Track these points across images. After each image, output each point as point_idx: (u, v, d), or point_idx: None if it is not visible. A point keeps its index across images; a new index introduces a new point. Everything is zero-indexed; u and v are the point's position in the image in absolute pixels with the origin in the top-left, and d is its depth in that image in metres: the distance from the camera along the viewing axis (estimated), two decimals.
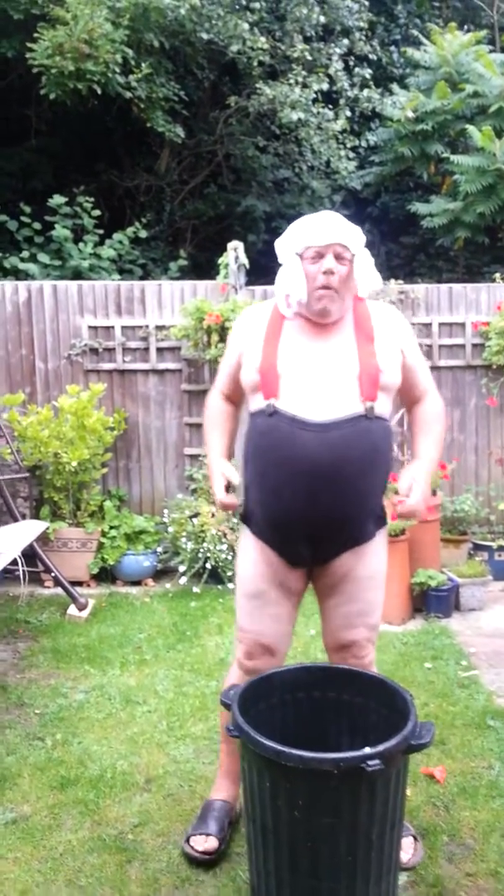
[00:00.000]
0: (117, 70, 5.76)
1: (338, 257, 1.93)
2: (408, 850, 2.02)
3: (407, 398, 2.12)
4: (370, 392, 1.91)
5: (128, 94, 6.06)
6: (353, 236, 1.95)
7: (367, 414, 1.89)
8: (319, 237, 1.92)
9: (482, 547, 4.49)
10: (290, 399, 1.90)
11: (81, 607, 3.91)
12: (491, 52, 7.22)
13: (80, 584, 4.32)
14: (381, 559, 2.07)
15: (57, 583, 4.01)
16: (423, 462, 2.04)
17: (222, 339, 4.35)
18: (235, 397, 2.18)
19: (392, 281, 4.80)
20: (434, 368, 4.75)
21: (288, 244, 1.99)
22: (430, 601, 3.91)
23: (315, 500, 1.88)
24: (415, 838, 2.08)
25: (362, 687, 2.00)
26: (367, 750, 1.63)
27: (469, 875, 1.98)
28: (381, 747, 1.64)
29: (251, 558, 2.05)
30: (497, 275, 4.96)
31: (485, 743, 2.60)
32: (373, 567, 2.03)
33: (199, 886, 1.98)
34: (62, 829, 2.21)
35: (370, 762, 1.60)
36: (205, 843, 2.06)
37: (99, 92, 5.77)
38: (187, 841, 2.09)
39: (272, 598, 2.03)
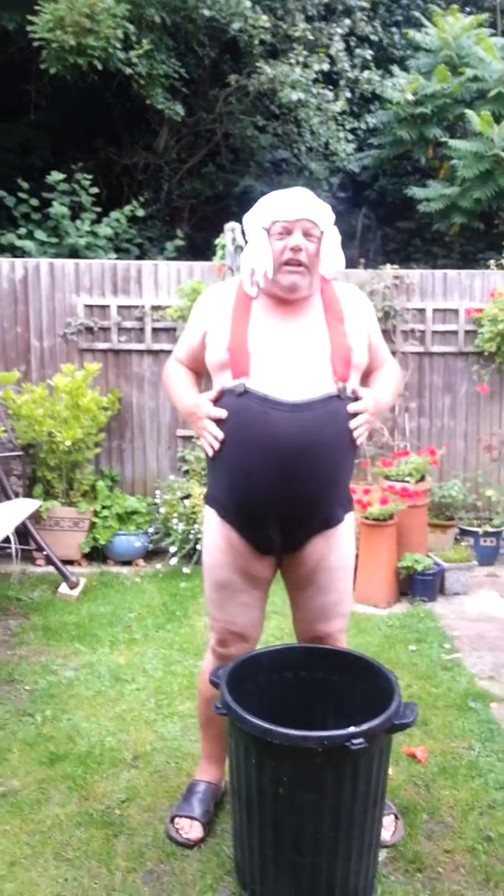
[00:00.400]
0: (118, 45, 5.69)
1: (306, 234, 1.90)
2: (389, 827, 2.07)
3: (365, 378, 2.09)
4: (343, 372, 1.90)
5: (128, 71, 5.99)
6: (322, 212, 1.94)
7: (339, 394, 1.88)
8: (288, 212, 1.90)
9: (469, 532, 4.54)
10: (261, 378, 1.86)
11: (73, 586, 3.95)
12: (492, 35, 7.16)
13: (71, 563, 4.35)
14: (351, 546, 2.07)
15: (49, 561, 4.04)
16: (373, 392, 2.02)
17: None
18: (195, 369, 2.14)
19: (387, 266, 4.80)
20: (427, 354, 4.79)
21: (255, 218, 1.96)
22: (415, 585, 3.96)
23: (287, 481, 1.85)
24: (395, 817, 2.13)
25: (348, 667, 2.04)
26: (352, 729, 1.67)
27: (447, 851, 2.04)
28: (365, 726, 1.68)
29: (216, 544, 2.02)
30: (491, 262, 4.96)
31: (466, 724, 2.66)
32: (343, 555, 2.04)
33: (185, 861, 2.03)
34: (50, 804, 2.26)
35: (354, 741, 1.64)
36: (190, 829, 2.09)
37: (99, 67, 5.69)
38: (172, 821, 2.13)
39: (239, 587, 2.02)
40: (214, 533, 2.03)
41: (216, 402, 1.95)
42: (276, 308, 1.95)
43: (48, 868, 1.99)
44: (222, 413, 1.91)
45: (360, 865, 1.80)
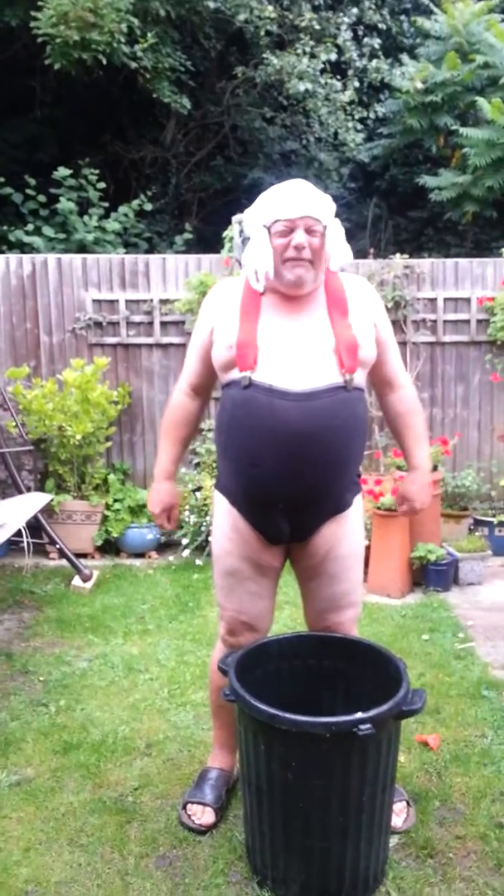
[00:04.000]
0: (122, 40, 5.69)
1: (308, 230, 1.87)
2: (400, 814, 2.07)
3: (376, 377, 2.07)
4: (350, 363, 1.89)
5: (133, 65, 5.99)
6: (323, 207, 1.89)
7: (346, 385, 1.87)
8: (289, 210, 1.86)
9: (483, 522, 4.52)
10: (267, 371, 1.86)
11: (86, 578, 3.97)
12: (503, 21, 7.08)
13: (84, 556, 4.38)
14: (360, 534, 2.07)
15: (62, 554, 4.07)
16: (418, 473, 2.10)
17: None
18: (204, 387, 2.12)
19: (397, 255, 4.77)
20: (439, 344, 4.76)
21: (256, 216, 1.92)
22: (429, 575, 3.95)
23: (297, 468, 1.85)
24: (407, 803, 2.13)
25: (357, 655, 2.04)
26: (360, 715, 1.67)
27: (458, 838, 2.04)
28: (372, 712, 1.68)
29: (225, 532, 2.02)
30: (503, 249, 4.92)
31: (478, 712, 2.65)
32: (353, 543, 2.03)
33: (197, 846, 2.04)
34: (64, 791, 2.27)
35: (362, 727, 1.64)
36: (202, 815, 2.11)
37: (104, 62, 5.70)
38: (184, 807, 2.14)
39: (247, 575, 2.02)
40: (223, 520, 2.03)
41: (223, 388, 1.97)
42: (281, 304, 1.94)
43: (62, 853, 2.01)
44: (171, 526, 2.20)
45: (371, 850, 1.80)
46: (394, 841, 2.02)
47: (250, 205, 2.01)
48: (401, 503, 2.15)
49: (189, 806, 2.14)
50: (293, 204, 1.86)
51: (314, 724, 1.68)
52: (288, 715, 1.69)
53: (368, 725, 1.65)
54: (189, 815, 2.11)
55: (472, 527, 4.54)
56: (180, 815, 2.13)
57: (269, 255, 1.88)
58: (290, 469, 1.86)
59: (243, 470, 1.93)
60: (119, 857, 2.00)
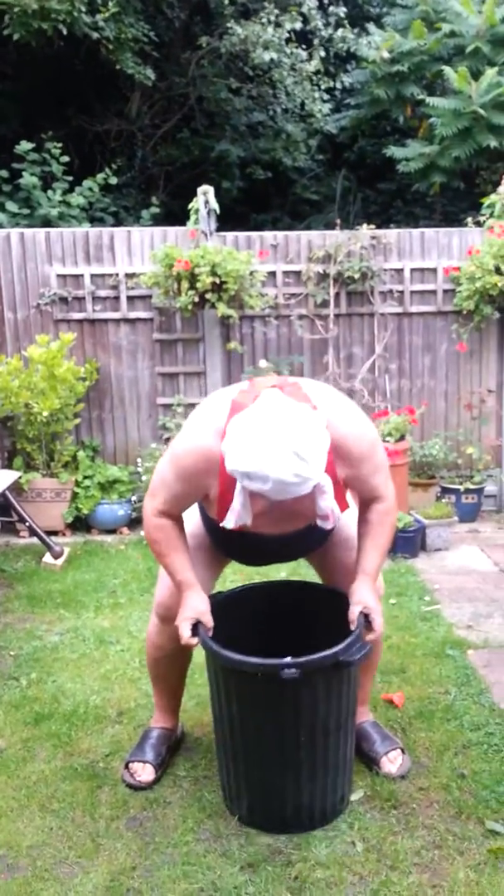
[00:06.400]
0: (83, 9, 5.57)
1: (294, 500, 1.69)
2: (395, 761, 2.15)
3: (358, 493, 1.99)
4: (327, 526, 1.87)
5: (95, 35, 5.87)
6: (308, 483, 1.63)
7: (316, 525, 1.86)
8: (270, 494, 1.64)
9: (450, 490, 4.58)
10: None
11: (57, 555, 3.97)
12: None
13: (55, 533, 4.37)
14: (353, 511, 2.04)
15: (32, 532, 4.06)
16: (367, 580, 1.96)
17: (192, 286, 4.32)
18: (179, 515, 1.99)
19: (364, 226, 4.77)
20: (406, 315, 4.78)
21: (235, 470, 1.65)
22: (397, 542, 3.99)
23: (267, 562, 2.24)
24: (402, 751, 2.19)
25: (322, 600, 2.16)
26: (288, 659, 1.80)
27: (422, 789, 2.09)
28: (302, 659, 1.81)
29: (199, 514, 2.10)
30: (469, 219, 4.94)
31: (443, 671, 2.72)
32: (348, 525, 2.07)
33: (167, 808, 2.08)
34: (36, 761, 2.29)
35: (287, 671, 1.77)
36: (143, 772, 2.17)
37: (65, 32, 5.58)
38: (126, 766, 2.19)
39: (204, 544, 2.09)
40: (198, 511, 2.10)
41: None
42: None
43: (34, 819, 2.04)
44: (195, 642, 1.95)
45: (315, 787, 1.93)
46: (359, 794, 2.07)
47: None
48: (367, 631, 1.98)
49: (130, 765, 2.19)
50: (275, 492, 1.63)
51: (244, 663, 1.83)
52: (225, 652, 1.85)
53: (294, 670, 1.77)
54: (131, 773, 2.17)
55: (439, 495, 4.61)
56: (122, 775, 2.18)
57: (248, 512, 1.74)
58: (261, 562, 2.26)
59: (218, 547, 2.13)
60: (90, 820, 2.03)
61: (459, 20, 6.66)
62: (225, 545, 2.08)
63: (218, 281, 4.29)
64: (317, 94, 7.07)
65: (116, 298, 4.69)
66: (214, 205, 4.61)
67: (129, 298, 4.69)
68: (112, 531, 4.55)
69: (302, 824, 1.94)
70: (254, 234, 4.86)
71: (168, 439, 4.66)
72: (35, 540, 4.11)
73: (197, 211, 4.60)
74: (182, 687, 2.31)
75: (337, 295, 4.72)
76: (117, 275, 4.66)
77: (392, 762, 2.14)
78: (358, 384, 4.75)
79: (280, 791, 1.93)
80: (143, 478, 4.44)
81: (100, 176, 6.37)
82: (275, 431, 1.60)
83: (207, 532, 2.08)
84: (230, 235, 4.74)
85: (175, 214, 6.77)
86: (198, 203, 4.59)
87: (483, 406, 4.82)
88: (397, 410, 4.49)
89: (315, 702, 1.86)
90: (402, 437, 4.25)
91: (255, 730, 1.92)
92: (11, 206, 5.86)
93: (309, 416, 1.65)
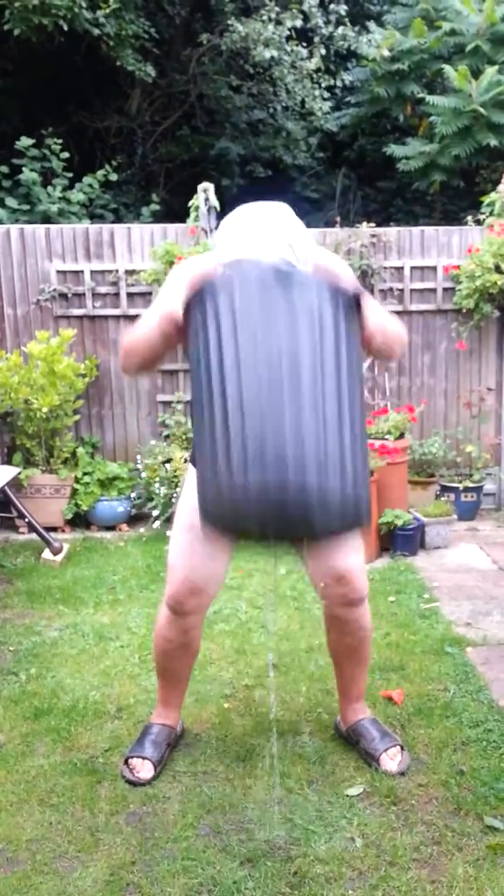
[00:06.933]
0: (84, 5, 5.57)
1: None
2: (395, 758, 2.15)
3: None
4: None
5: (96, 31, 5.87)
6: (296, 247, 1.69)
7: None
8: (256, 255, 1.67)
9: (449, 489, 4.59)
10: None
11: (56, 551, 3.97)
12: None
13: (54, 529, 4.37)
14: None
15: (31, 528, 4.06)
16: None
17: None
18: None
19: (364, 224, 4.77)
20: (405, 313, 4.78)
21: (222, 249, 1.73)
22: (396, 540, 4.01)
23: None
24: (401, 747, 2.19)
25: None
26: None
27: (421, 785, 2.10)
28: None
29: (193, 494, 1.98)
30: (469, 217, 4.94)
31: (442, 668, 2.72)
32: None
33: (166, 803, 2.08)
34: (35, 755, 2.29)
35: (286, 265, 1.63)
36: (141, 768, 2.15)
37: (65, 28, 5.58)
38: (126, 762, 2.18)
39: (207, 533, 1.97)
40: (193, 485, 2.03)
41: None
42: None
43: (33, 813, 2.04)
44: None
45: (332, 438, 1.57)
46: (358, 790, 2.07)
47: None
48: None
49: (130, 760, 2.18)
50: (260, 250, 1.68)
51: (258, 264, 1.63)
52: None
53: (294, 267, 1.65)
54: (130, 769, 2.16)
55: (438, 493, 4.61)
56: (121, 770, 2.18)
57: None
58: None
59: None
60: (90, 814, 2.03)
61: (460, 18, 6.67)
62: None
63: None
64: (317, 92, 7.07)
65: (116, 295, 4.69)
66: (215, 202, 4.61)
67: (129, 295, 4.68)
68: (111, 528, 4.55)
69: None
70: None
71: (168, 436, 4.67)
72: (34, 536, 4.11)
73: (197, 208, 4.60)
74: (187, 681, 2.30)
75: None
76: (117, 271, 4.66)
77: (392, 759, 2.15)
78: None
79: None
80: (143, 475, 4.44)
81: (100, 172, 6.37)
82: (268, 223, 1.72)
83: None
84: None
85: (175, 211, 6.77)
86: (198, 200, 4.59)
87: (482, 404, 4.83)
88: (397, 409, 4.49)
89: (322, 320, 1.58)
90: (401, 436, 4.25)
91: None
92: (11, 202, 5.85)
93: (298, 222, 1.78)
